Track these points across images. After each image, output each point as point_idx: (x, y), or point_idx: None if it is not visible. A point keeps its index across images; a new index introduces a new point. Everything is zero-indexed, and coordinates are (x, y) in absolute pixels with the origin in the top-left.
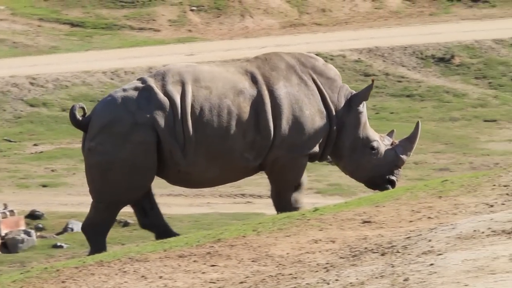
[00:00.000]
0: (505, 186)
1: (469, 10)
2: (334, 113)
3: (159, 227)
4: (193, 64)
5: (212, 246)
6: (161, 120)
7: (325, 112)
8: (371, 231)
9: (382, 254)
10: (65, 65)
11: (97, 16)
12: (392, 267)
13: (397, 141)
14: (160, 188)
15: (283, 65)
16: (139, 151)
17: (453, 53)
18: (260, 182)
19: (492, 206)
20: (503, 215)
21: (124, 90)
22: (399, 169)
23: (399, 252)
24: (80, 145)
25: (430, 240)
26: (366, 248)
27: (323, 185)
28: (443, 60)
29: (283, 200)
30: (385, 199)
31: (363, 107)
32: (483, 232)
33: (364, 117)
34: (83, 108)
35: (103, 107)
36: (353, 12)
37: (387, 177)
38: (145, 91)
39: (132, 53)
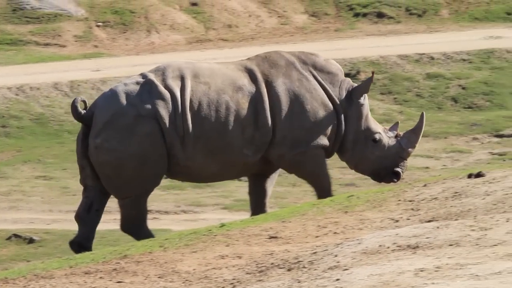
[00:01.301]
0: (410, 201)
1: (374, 26)
2: (340, 107)
3: (88, 226)
4: (193, 61)
5: (119, 263)
6: (163, 112)
7: (330, 105)
8: (277, 247)
9: (289, 270)
10: None
11: (1, 31)
12: (299, 282)
13: (401, 133)
14: (66, 205)
15: (282, 62)
16: (147, 142)
17: (359, 68)
18: (166, 198)
19: (397, 221)
20: (408, 230)
21: (125, 84)
22: (405, 161)
23: (305, 268)
24: None
25: (336, 255)
26: (272, 263)
27: (229, 200)
28: (349, 75)
29: (322, 191)
30: (291, 215)
31: (364, 100)
32: (388, 247)
33: (366, 110)
34: (84, 102)
35: (104, 101)
36: (259, 28)
37: (392, 169)
38: (147, 85)
39: (37, 68)
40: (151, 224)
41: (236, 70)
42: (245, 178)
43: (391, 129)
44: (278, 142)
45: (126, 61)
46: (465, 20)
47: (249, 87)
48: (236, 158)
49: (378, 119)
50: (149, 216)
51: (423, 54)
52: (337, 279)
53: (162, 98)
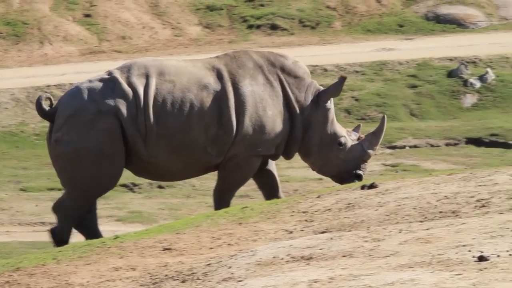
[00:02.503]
0: (304, 212)
1: (268, 38)
2: (298, 112)
3: (88, 229)
4: (160, 58)
5: (11, 275)
6: (124, 109)
7: (286, 114)
8: (172, 258)
9: (183, 281)
10: None
11: None
12: None
13: (363, 136)
14: None
15: (250, 63)
16: (105, 138)
17: None
18: None
19: (291, 232)
20: (302, 241)
21: (90, 81)
22: (365, 163)
23: (199, 279)
24: None
25: (230, 267)
26: (166, 275)
27: (124, 212)
28: None
29: (224, 199)
30: (185, 226)
31: (330, 104)
32: (282, 258)
33: (332, 114)
34: (49, 99)
35: (68, 98)
36: (153, 40)
37: (354, 171)
38: (110, 82)
39: None
40: (45, 236)
41: (203, 68)
42: (140, 189)
43: (353, 132)
44: (237, 142)
45: (19, 72)
46: (358, 32)
47: (215, 86)
48: (200, 157)
49: None
50: (42, 228)
51: (316, 66)
52: None
53: (124, 96)
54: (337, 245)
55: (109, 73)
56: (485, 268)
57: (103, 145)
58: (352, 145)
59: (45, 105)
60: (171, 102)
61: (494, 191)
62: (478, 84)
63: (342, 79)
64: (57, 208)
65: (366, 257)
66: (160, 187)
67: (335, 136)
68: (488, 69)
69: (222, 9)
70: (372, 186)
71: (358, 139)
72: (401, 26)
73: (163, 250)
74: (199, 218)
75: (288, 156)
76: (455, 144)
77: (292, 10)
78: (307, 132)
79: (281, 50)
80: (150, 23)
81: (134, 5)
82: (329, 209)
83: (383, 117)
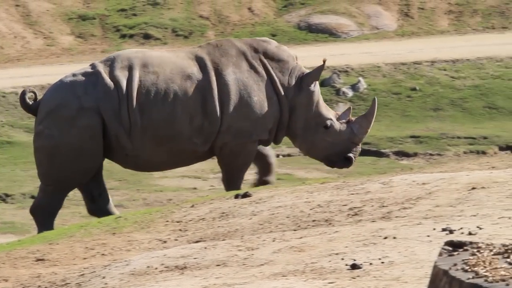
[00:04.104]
0: (178, 222)
1: (141, 47)
2: (285, 97)
3: (105, 213)
4: (143, 50)
5: None
6: (106, 104)
7: (275, 98)
8: (44, 269)
9: None
10: None
11: None
12: None
13: (353, 119)
14: None
15: (233, 51)
16: (85, 135)
17: None
18: None
19: (165, 242)
20: (176, 250)
21: (74, 75)
22: (357, 146)
23: None
24: None
25: (104, 277)
26: (39, 286)
27: None
28: None
29: (233, 186)
30: (59, 237)
31: (314, 87)
32: (156, 268)
33: (317, 96)
34: (34, 93)
35: (51, 92)
36: (25, 49)
37: (345, 155)
38: (93, 76)
39: None
40: None
41: (186, 58)
42: (13, 200)
43: (343, 115)
44: (223, 131)
45: None
46: None
47: (198, 76)
48: (186, 147)
49: None
50: None
51: None
52: None
53: (107, 90)
54: (211, 254)
55: (93, 67)
56: (358, 276)
57: (83, 141)
58: (340, 128)
59: (29, 99)
60: (154, 94)
61: (366, 200)
62: (350, 93)
63: (323, 63)
64: (35, 210)
65: (240, 266)
66: (33, 197)
67: (320, 119)
68: (360, 78)
69: (95, 19)
70: (245, 195)
71: (348, 122)
72: (273, 35)
73: (36, 261)
74: (73, 229)
75: (276, 141)
76: None
77: (165, 20)
78: (292, 115)
79: None
80: (21, 33)
81: (5, 14)
82: (203, 218)
83: (374, 99)
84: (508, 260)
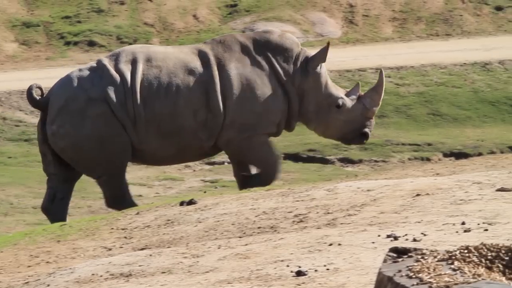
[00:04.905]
0: (123, 229)
1: (86, 55)
2: (291, 85)
3: (56, 215)
4: (148, 45)
5: None
6: (113, 95)
7: (280, 91)
8: None
9: None
10: None
11: None
12: None
13: (362, 93)
14: None
15: (237, 47)
16: (98, 123)
17: None
18: None
19: (110, 249)
20: (121, 258)
21: (80, 70)
22: (371, 120)
23: None
24: None
25: (48, 285)
26: None
27: None
28: None
29: (268, 178)
30: (3, 245)
31: (320, 69)
32: (101, 276)
33: (324, 78)
34: (40, 88)
35: (59, 88)
36: None
37: (360, 131)
38: (99, 70)
39: None
40: None
41: (190, 53)
42: None
43: (352, 91)
44: (227, 126)
45: None
46: None
47: (201, 70)
48: (191, 142)
49: None
50: None
51: None
52: None
53: (113, 82)
54: (156, 262)
55: (98, 61)
56: (303, 283)
57: (100, 130)
58: (352, 105)
59: (36, 95)
60: (157, 87)
61: (311, 206)
62: None
63: (328, 45)
64: (112, 205)
65: (185, 273)
66: None
67: (331, 100)
68: None
69: (39, 26)
70: (191, 202)
71: (358, 97)
72: None
73: None
74: (17, 236)
75: (289, 129)
76: None
77: (110, 27)
78: (302, 101)
79: None
80: None
81: None
82: (148, 225)
83: (381, 70)
84: (452, 266)
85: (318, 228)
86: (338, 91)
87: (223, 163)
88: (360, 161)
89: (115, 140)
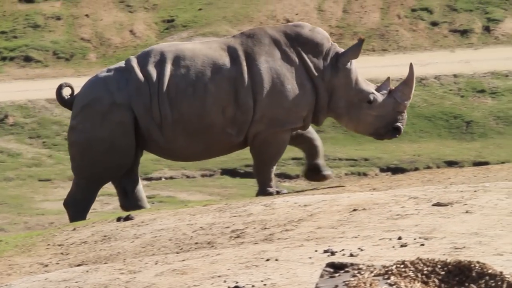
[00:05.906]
0: (59, 245)
1: (22, 70)
2: (320, 80)
3: (137, 209)
4: (177, 43)
5: None
6: (138, 100)
7: (309, 85)
8: None
9: None
10: None
11: None
12: None
13: (393, 88)
14: None
15: (266, 40)
16: (117, 131)
17: (7, 112)
18: None
19: (46, 265)
20: (57, 274)
21: (109, 70)
22: (402, 114)
23: None
24: None
25: None
26: None
27: None
28: None
29: (264, 175)
30: None
31: (351, 65)
32: None
33: (354, 74)
34: (70, 87)
35: (86, 88)
36: None
37: (392, 125)
38: (126, 72)
39: None
40: None
41: (219, 49)
42: None
43: (383, 86)
44: (257, 120)
45: None
46: (113, 64)
47: (230, 66)
48: (220, 138)
49: (27, 163)
50: None
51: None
52: None
53: (139, 86)
54: (93, 278)
55: (127, 62)
56: None
57: (115, 137)
58: (384, 100)
59: (65, 94)
60: (185, 87)
61: (248, 222)
62: None
63: (361, 41)
64: (68, 203)
65: None
66: None
67: (362, 95)
68: None
69: None
70: (128, 218)
71: (389, 92)
72: None
73: None
74: None
75: (318, 123)
76: (211, 175)
77: (46, 42)
78: (332, 96)
79: (36, 82)
80: None
81: None
82: (85, 241)
83: (411, 64)
84: (389, 281)
85: (255, 243)
86: (369, 87)
87: (160, 178)
88: (297, 176)
89: (125, 152)
